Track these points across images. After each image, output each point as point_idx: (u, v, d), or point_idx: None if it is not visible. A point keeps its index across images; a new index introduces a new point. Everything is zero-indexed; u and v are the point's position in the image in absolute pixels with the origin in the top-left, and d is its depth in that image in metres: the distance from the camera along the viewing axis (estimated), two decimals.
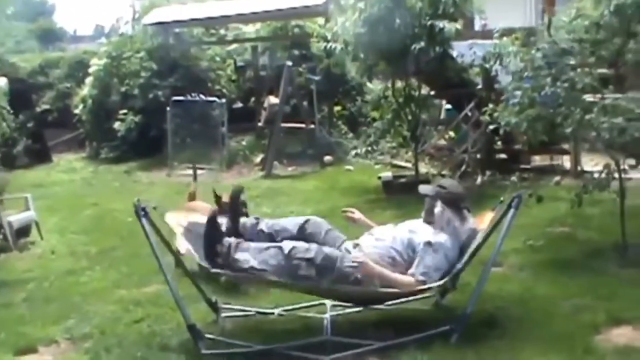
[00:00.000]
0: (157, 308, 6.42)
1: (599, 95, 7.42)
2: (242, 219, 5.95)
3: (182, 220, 5.91)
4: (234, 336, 5.69)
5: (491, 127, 8.67)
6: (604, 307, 5.92)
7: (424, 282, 5.45)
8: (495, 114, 7.85)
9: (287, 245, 5.49)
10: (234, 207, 5.98)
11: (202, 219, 5.87)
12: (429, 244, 5.56)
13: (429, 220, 5.85)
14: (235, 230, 5.82)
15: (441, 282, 5.52)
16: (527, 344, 5.21)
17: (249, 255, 5.49)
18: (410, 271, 5.51)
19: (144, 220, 5.54)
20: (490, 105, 8.19)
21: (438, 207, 5.76)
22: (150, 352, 5.47)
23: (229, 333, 5.82)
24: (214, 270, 5.57)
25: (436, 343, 5.23)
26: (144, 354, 5.42)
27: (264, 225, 5.90)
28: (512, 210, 5.67)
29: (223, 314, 6.13)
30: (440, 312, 6.03)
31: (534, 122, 7.46)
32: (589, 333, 5.45)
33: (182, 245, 5.61)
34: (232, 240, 5.59)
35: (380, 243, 5.68)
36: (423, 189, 6.00)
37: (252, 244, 5.59)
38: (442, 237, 5.63)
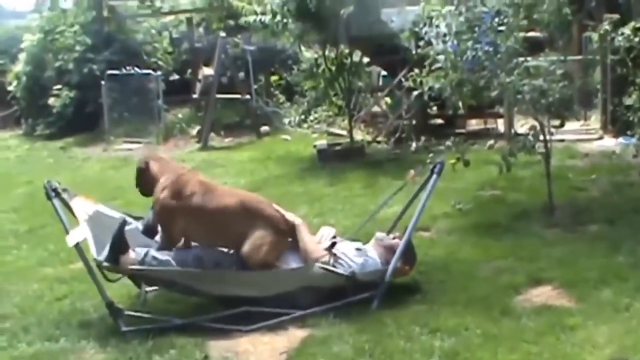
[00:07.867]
0: (82, 284, 6.27)
1: (522, 59, 7.45)
2: None
3: (88, 208, 5.83)
4: (156, 310, 5.62)
5: (414, 92, 8.65)
6: (525, 268, 6.01)
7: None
8: (419, 80, 7.84)
9: None
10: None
11: (111, 212, 5.93)
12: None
13: None
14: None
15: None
16: (445, 307, 5.24)
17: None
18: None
19: (55, 200, 5.52)
20: (416, 71, 8.14)
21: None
22: (70, 329, 5.39)
23: (151, 307, 5.75)
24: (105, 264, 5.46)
25: (356, 310, 5.25)
26: (63, 332, 5.33)
27: None
28: (434, 176, 5.73)
29: (146, 288, 6.03)
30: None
31: (458, 86, 7.47)
32: (508, 294, 5.51)
33: (78, 234, 5.50)
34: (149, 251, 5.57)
35: None
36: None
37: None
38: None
